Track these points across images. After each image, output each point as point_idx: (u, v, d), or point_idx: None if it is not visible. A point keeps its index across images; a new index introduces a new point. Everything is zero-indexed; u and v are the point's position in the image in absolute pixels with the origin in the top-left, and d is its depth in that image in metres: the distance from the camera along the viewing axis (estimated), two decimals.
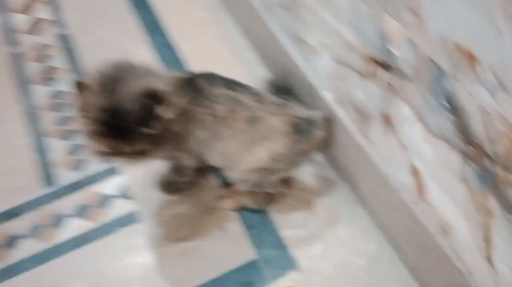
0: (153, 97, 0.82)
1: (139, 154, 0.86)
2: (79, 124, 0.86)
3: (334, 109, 0.97)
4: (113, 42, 1.43)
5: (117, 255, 1.03)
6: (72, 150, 1.21)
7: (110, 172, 1.16)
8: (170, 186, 1.08)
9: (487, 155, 0.60)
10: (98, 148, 0.85)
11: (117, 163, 1.01)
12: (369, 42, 0.76)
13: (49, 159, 1.19)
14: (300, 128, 0.92)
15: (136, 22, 1.49)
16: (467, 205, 0.68)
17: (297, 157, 0.95)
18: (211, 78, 0.93)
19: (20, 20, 1.53)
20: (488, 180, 0.62)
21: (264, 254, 1.01)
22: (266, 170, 0.94)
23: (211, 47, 1.40)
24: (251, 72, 1.30)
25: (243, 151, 0.93)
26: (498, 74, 0.54)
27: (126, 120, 0.81)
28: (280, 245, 1.01)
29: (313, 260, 0.99)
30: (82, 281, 1.00)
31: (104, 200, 1.12)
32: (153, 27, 1.47)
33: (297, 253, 1.00)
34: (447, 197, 0.72)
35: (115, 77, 0.84)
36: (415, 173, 0.79)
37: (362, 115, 0.89)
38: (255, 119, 0.91)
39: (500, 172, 0.59)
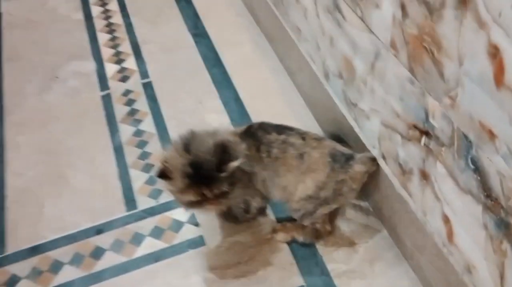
0: (225, 147, 1.01)
1: (219, 198, 1.03)
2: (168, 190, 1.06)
3: (379, 163, 1.16)
4: (188, 92, 1.68)
5: (185, 272, 1.21)
6: (150, 180, 1.42)
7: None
8: (235, 219, 1.27)
9: (503, 207, 0.77)
10: (186, 199, 1.03)
11: (201, 211, 1.17)
12: (413, 113, 0.96)
13: (131, 186, 1.41)
14: (337, 158, 1.10)
15: (208, 76, 1.74)
16: (486, 247, 0.84)
17: (339, 187, 1.11)
18: (264, 126, 1.14)
19: (110, 68, 1.80)
20: (503, 227, 0.79)
21: (310, 282, 1.17)
22: (313, 198, 1.11)
23: (271, 102, 1.62)
24: (303, 124, 1.51)
25: (296, 182, 1.12)
26: (511, 147, 0.72)
27: (207, 169, 0.99)
28: (325, 275, 1.18)
29: None
30: None
31: (176, 225, 1.32)
32: (223, 82, 1.71)
33: (339, 283, 1.16)
34: (471, 240, 0.89)
35: (191, 139, 1.03)
36: (446, 220, 0.95)
37: (403, 170, 1.07)
38: (302, 155, 1.10)
39: None
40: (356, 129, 1.23)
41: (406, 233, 1.12)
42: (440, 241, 0.99)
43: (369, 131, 1.19)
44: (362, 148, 1.21)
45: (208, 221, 1.32)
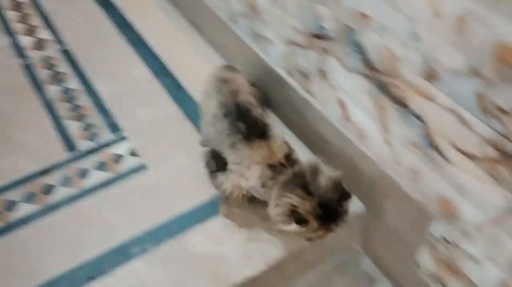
0: (341, 184, 1.07)
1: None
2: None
3: (286, 80, 1.41)
4: (106, 53, 1.83)
5: (132, 195, 1.38)
6: (86, 127, 1.56)
7: (119, 140, 1.52)
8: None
9: (380, 72, 1.06)
10: (315, 236, 1.08)
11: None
12: (309, 24, 1.22)
13: (69, 134, 1.54)
14: None
15: (123, 40, 1.90)
16: (372, 110, 1.13)
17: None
18: None
19: (26, 41, 1.89)
20: (382, 88, 1.07)
21: None
22: None
23: (185, 54, 1.83)
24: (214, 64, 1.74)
25: None
26: (381, 23, 1.01)
27: (333, 207, 1.06)
28: None
29: None
30: (111, 211, 1.34)
31: (117, 158, 1.47)
32: (137, 42, 1.88)
33: None
34: (361, 112, 1.17)
35: (306, 181, 1.06)
36: (341, 103, 1.23)
37: (305, 76, 1.34)
38: None
39: (387, 79, 1.05)
40: (264, 57, 1.49)
41: (312, 128, 1.39)
42: (339, 123, 1.27)
43: (274, 55, 1.45)
44: (272, 73, 1.46)
45: (147, 150, 1.49)
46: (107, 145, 1.51)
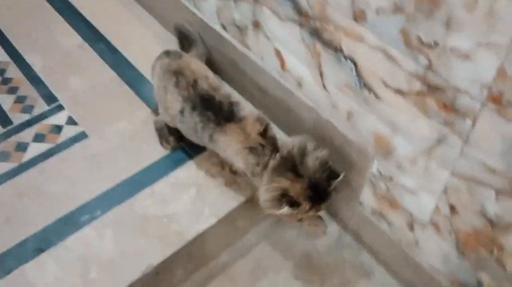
0: (328, 165, 1.09)
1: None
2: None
3: (223, 36, 1.40)
4: (34, 22, 1.74)
5: (74, 162, 1.36)
6: (18, 99, 1.50)
7: (55, 110, 1.48)
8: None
9: (311, 17, 1.07)
10: (305, 216, 1.11)
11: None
12: None
13: (1, 108, 1.48)
14: None
15: (52, 9, 1.81)
16: (307, 57, 1.14)
17: None
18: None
19: None
20: (314, 33, 1.08)
21: None
22: None
23: (117, 19, 1.77)
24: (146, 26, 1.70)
25: None
26: None
27: (322, 187, 1.08)
28: None
29: None
30: (55, 183, 1.31)
31: (56, 128, 1.43)
32: (67, 10, 1.80)
33: None
34: (296, 60, 1.18)
35: (294, 163, 1.08)
36: (277, 53, 1.24)
37: (240, 29, 1.33)
38: None
39: (318, 24, 1.06)
40: (200, 15, 1.46)
41: (252, 82, 1.39)
42: (277, 74, 1.28)
43: (209, 11, 1.42)
44: (209, 30, 1.44)
45: (86, 118, 1.46)
46: (43, 116, 1.46)
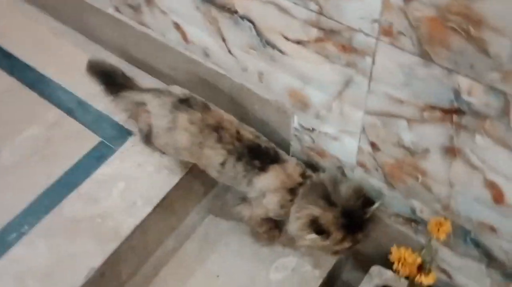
0: (363, 191, 1.06)
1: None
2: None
3: (119, 19, 1.34)
4: None
5: None
6: None
7: None
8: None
9: None
10: (340, 248, 1.06)
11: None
12: None
13: None
14: None
15: None
16: (206, 25, 1.11)
17: None
18: None
19: None
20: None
21: None
22: None
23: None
24: None
25: None
26: None
27: (357, 215, 1.04)
28: None
29: None
30: None
31: None
32: None
33: None
34: (197, 29, 1.15)
35: (327, 191, 1.05)
36: (177, 27, 1.20)
37: (134, 8, 1.27)
38: None
39: None
40: (91, 2, 1.39)
41: (159, 60, 1.35)
42: (182, 48, 1.24)
43: None
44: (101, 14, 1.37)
45: None
46: None
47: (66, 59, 1.53)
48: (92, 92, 1.41)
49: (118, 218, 1.20)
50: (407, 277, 0.92)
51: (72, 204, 1.22)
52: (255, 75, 1.12)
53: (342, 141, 1.07)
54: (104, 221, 1.19)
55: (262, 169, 1.12)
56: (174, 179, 1.26)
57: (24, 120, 1.39)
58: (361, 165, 1.09)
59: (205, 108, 1.16)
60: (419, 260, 0.89)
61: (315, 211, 1.05)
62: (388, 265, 0.99)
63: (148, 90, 1.23)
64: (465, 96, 0.77)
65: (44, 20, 1.63)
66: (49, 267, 1.12)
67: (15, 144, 1.34)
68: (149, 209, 1.21)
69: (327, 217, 1.03)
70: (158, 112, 1.17)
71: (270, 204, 1.13)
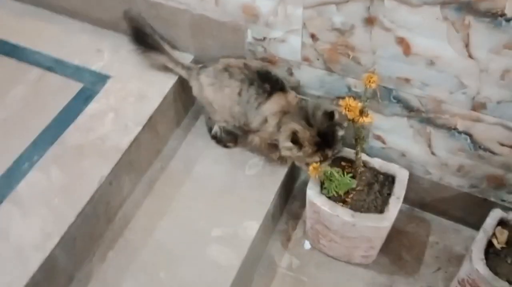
0: (333, 115, 1.30)
1: (334, 155, 1.35)
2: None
3: None
4: None
5: None
6: None
7: None
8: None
9: None
10: (311, 160, 1.31)
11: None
12: None
13: None
14: None
15: None
16: None
17: None
18: None
19: None
20: None
21: None
22: None
23: None
24: None
25: None
26: None
27: (329, 136, 1.30)
28: None
29: None
30: None
31: None
32: None
33: None
34: None
35: (309, 115, 1.31)
36: None
37: None
38: None
39: None
40: None
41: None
42: None
43: None
44: None
45: None
46: None
47: (33, 31, 1.72)
48: (66, 52, 1.63)
49: (115, 138, 1.42)
50: (352, 120, 1.24)
51: (72, 135, 1.43)
52: (211, 1, 1.40)
53: (289, 42, 1.38)
54: (104, 142, 1.41)
55: (271, 93, 1.38)
56: (154, 105, 1.50)
57: (8, 82, 1.57)
58: (305, 59, 1.40)
59: (213, 62, 1.46)
60: (360, 105, 1.21)
61: (296, 126, 1.33)
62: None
63: (177, 64, 1.52)
64: None
65: (3, 3, 1.80)
66: (65, 182, 1.33)
67: (6, 102, 1.52)
68: (139, 128, 1.45)
69: (305, 134, 1.31)
70: (193, 84, 1.50)
71: (270, 127, 1.40)
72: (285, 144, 1.35)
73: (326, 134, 1.32)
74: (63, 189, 1.32)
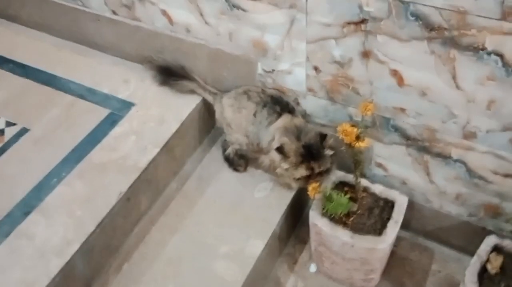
0: (325, 136, 1.42)
1: (321, 174, 1.44)
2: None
3: (116, 20, 1.75)
4: None
5: (28, 148, 1.61)
6: None
7: None
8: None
9: None
10: (298, 174, 1.42)
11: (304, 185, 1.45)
12: None
13: None
14: None
15: None
16: (187, 4, 1.54)
17: None
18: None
19: None
20: None
21: None
22: None
23: None
24: None
25: None
26: None
27: (315, 149, 1.41)
28: None
29: None
30: (15, 168, 1.55)
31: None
32: None
33: None
34: (178, 8, 1.57)
35: (299, 133, 1.44)
36: (164, 13, 1.63)
37: (128, 7, 1.69)
38: None
39: None
40: (85, 9, 1.80)
41: (148, 47, 1.76)
42: (168, 30, 1.67)
43: (96, 3, 1.77)
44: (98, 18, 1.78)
45: (22, 119, 1.71)
46: None
47: (69, 63, 1.91)
48: (97, 82, 1.81)
49: (135, 158, 1.56)
50: (349, 145, 1.33)
51: (97, 154, 1.58)
52: (226, 36, 1.55)
53: (294, 73, 1.51)
54: (125, 161, 1.55)
55: (280, 114, 1.50)
56: (172, 129, 1.64)
57: (45, 107, 1.74)
58: (309, 90, 1.52)
59: (236, 87, 1.62)
60: (356, 131, 1.31)
61: (284, 139, 1.46)
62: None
63: (204, 90, 1.68)
64: (365, 8, 1.23)
65: (45, 38, 2.02)
66: (87, 196, 1.47)
67: (42, 123, 1.69)
68: (157, 150, 1.58)
69: (291, 146, 1.43)
70: (217, 107, 1.65)
71: (276, 143, 1.49)
72: (273, 155, 1.45)
73: (310, 147, 1.42)
74: (86, 201, 1.45)
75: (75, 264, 1.36)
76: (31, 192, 1.48)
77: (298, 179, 1.46)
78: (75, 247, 1.35)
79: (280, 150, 1.42)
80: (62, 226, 1.40)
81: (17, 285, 1.29)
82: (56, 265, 1.31)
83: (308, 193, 1.39)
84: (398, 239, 1.65)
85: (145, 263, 1.50)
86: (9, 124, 1.69)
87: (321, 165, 1.44)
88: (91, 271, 1.44)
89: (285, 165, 1.44)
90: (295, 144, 1.43)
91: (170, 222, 1.60)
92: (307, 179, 1.45)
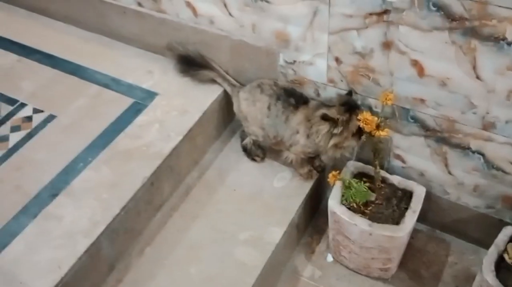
0: (349, 92, 1.49)
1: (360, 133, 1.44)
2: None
3: (143, 12, 1.80)
4: None
5: (55, 134, 1.67)
6: None
7: (19, 108, 1.77)
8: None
9: None
10: (355, 127, 1.42)
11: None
12: None
13: None
14: None
15: None
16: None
17: None
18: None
19: None
20: None
21: None
22: None
23: None
24: None
25: None
26: None
27: (352, 100, 1.46)
28: None
29: None
30: (43, 154, 1.61)
31: (26, 118, 1.72)
32: None
33: None
34: (205, 2, 1.62)
35: (325, 104, 1.49)
36: (189, 5, 1.67)
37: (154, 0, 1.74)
38: None
39: None
40: (115, 2, 1.85)
41: (174, 39, 1.80)
42: (192, 22, 1.71)
43: None
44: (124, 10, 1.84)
45: (49, 106, 1.76)
46: (12, 114, 1.75)
47: (95, 54, 1.96)
48: (121, 72, 1.86)
49: (159, 145, 1.60)
50: (369, 133, 1.36)
51: (122, 141, 1.62)
52: (249, 28, 1.59)
53: (316, 64, 1.54)
54: (149, 148, 1.60)
55: (296, 107, 1.53)
56: (194, 118, 1.68)
57: (72, 95, 1.80)
58: (330, 81, 1.55)
59: (250, 81, 1.65)
60: (376, 120, 1.34)
61: (321, 111, 1.45)
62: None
63: (224, 79, 1.73)
64: None
65: (72, 31, 2.07)
66: (113, 180, 1.51)
67: (70, 110, 1.74)
68: (180, 138, 1.62)
69: (331, 111, 1.44)
70: (234, 101, 1.69)
71: (301, 137, 1.52)
72: (322, 129, 1.46)
73: (348, 101, 1.45)
74: (111, 185, 1.50)
75: (101, 245, 1.40)
76: (58, 176, 1.53)
77: (354, 134, 1.45)
78: (101, 228, 1.40)
79: (325, 117, 1.43)
80: (89, 208, 1.45)
81: (46, 264, 1.33)
82: (83, 245, 1.36)
83: (328, 180, 1.42)
84: (415, 231, 1.68)
85: (167, 248, 1.54)
86: (36, 111, 1.75)
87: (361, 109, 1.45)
88: (116, 253, 1.48)
89: (336, 130, 1.44)
90: (333, 108, 1.45)
91: (191, 209, 1.64)
92: (360, 132, 1.44)
